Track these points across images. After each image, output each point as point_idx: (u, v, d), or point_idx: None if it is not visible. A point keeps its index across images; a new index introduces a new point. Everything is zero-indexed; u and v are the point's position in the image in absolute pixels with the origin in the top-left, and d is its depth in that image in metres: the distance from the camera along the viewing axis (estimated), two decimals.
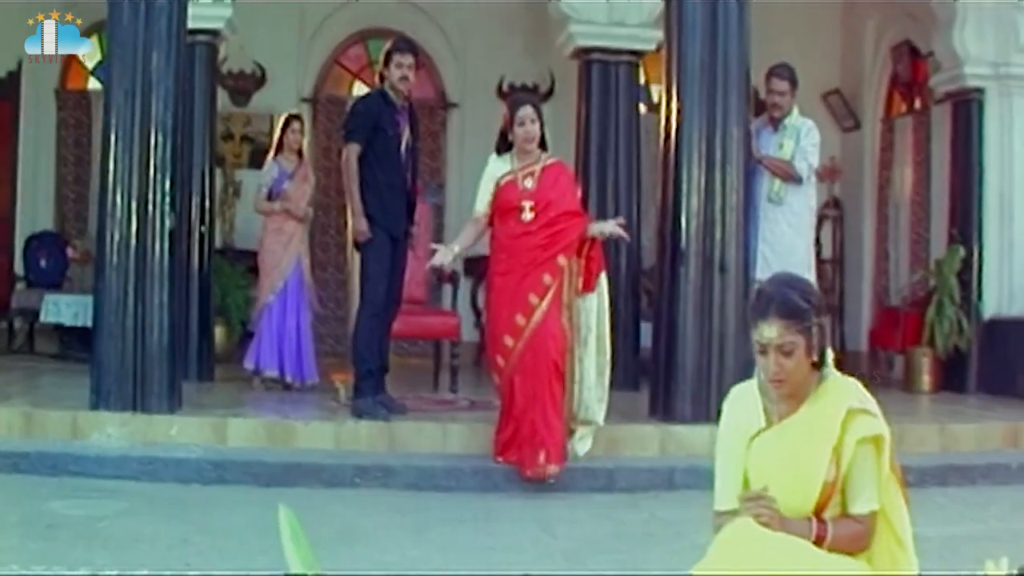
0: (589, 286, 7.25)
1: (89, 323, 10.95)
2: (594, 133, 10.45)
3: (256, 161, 13.04)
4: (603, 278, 7.38)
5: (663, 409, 8.21)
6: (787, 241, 8.38)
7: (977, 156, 10.89)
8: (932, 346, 10.83)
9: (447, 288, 10.58)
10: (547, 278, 7.08)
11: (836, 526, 3.33)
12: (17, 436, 7.44)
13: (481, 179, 7.40)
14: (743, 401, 3.52)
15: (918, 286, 11.41)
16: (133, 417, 7.52)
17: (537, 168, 7.26)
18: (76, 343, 11.37)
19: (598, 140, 10.44)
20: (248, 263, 11.86)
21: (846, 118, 13.26)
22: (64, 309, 11.12)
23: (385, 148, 7.89)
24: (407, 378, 9.95)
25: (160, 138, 7.55)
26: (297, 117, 9.99)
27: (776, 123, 8.47)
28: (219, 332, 10.58)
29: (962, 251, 10.71)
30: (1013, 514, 6.97)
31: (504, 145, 7.33)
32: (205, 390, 9.09)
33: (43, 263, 12.22)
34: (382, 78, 8.05)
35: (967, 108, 10.96)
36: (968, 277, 10.79)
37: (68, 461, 7.09)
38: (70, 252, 11.93)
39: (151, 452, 7.25)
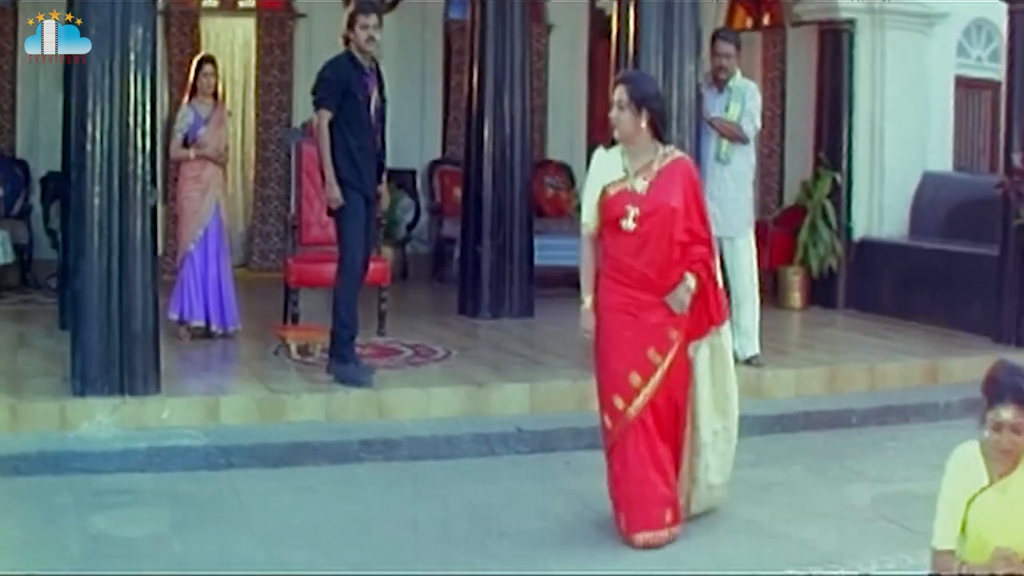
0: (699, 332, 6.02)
1: None
2: (489, 64, 10.63)
3: None
4: (725, 326, 6.15)
5: None
6: (732, 197, 8.76)
7: (847, 85, 11.48)
8: (803, 265, 11.52)
9: None
10: (670, 330, 5.85)
11: None
12: (4, 430, 7.16)
13: (587, 179, 6.06)
14: (968, 460, 4.25)
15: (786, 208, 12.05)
16: (123, 402, 7.33)
17: (655, 166, 5.85)
18: None
19: (494, 72, 10.63)
20: None
21: None
22: None
23: (356, 112, 7.89)
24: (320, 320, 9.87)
25: (140, 113, 7.27)
26: (210, 60, 9.71)
27: (721, 85, 8.79)
28: None
29: (838, 177, 11.35)
30: None
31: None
32: None
33: None
34: (347, 41, 7.99)
35: (837, 37, 11.52)
36: (838, 199, 11.45)
37: (71, 459, 6.86)
38: None
39: (155, 442, 7.11)
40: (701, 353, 6.01)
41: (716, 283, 6.01)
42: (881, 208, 11.58)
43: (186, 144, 9.42)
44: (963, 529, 4.18)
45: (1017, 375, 4.12)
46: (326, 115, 7.85)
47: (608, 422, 5.98)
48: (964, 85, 12.50)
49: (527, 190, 10.93)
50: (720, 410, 6.16)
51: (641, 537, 5.84)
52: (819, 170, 11.55)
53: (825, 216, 11.38)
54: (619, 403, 5.89)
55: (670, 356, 5.86)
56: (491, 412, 7.96)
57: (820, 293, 11.59)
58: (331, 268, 9.04)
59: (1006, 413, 4.06)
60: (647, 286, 5.82)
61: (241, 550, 5.79)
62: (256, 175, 13.32)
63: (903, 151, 11.50)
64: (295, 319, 9.28)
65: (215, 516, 6.33)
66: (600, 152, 6.02)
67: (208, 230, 9.40)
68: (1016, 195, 9.50)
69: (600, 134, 14.54)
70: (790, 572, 5.61)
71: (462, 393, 8.00)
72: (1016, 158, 9.60)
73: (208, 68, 9.50)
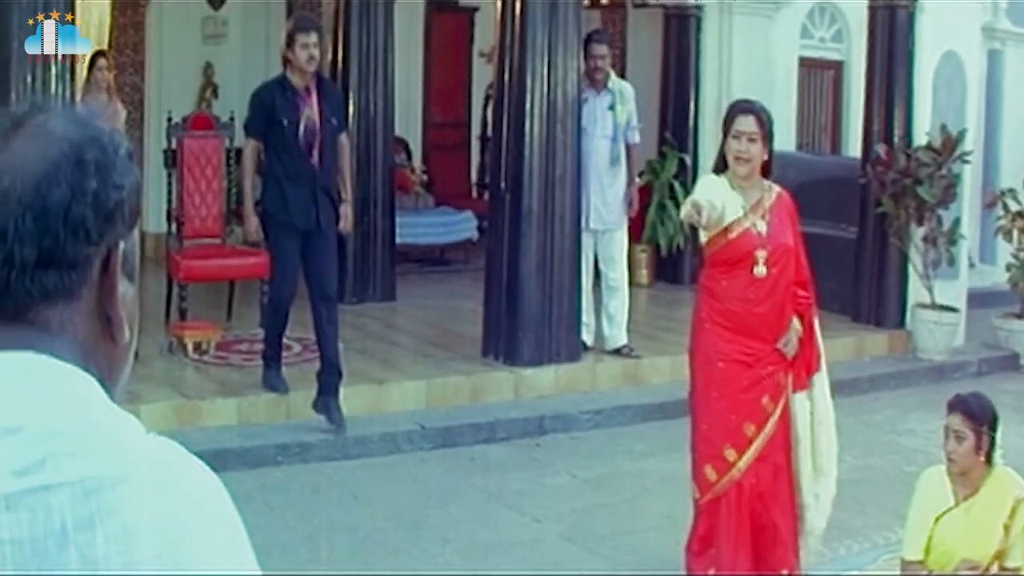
0: (800, 383, 5.61)
1: None
2: (353, 47, 10.78)
3: None
4: (821, 376, 5.69)
5: (505, 354, 8.91)
6: (614, 193, 9.31)
7: (694, 68, 11.98)
8: (651, 243, 12.02)
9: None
10: (781, 376, 5.50)
11: None
12: None
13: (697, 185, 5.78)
14: (935, 482, 4.92)
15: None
16: None
17: (766, 203, 5.48)
18: None
19: (359, 54, 10.78)
20: None
21: None
22: None
23: (281, 139, 7.66)
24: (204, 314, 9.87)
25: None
26: (103, 54, 9.59)
27: (599, 86, 9.12)
28: None
29: (687, 159, 11.87)
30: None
31: (723, 161, 5.55)
32: None
33: None
34: (286, 61, 7.69)
35: (683, 22, 11.99)
36: (685, 179, 11.97)
37: None
38: None
39: None
40: (802, 408, 5.61)
41: (814, 328, 5.67)
42: None
43: None
44: (928, 543, 4.86)
45: (973, 396, 4.91)
46: (252, 144, 7.75)
47: (712, 475, 5.53)
48: (807, 65, 13.08)
49: (390, 174, 11.12)
50: (819, 469, 5.69)
51: None
52: (665, 150, 12.03)
53: (673, 195, 11.88)
54: (730, 455, 5.48)
55: (782, 402, 5.51)
56: (392, 408, 8.25)
57: (666, 270, 12.13)
58: (219, 263, 9.29)
59: (953, 420, 4.79)
60: (761, 334, 5.47)
61: None
62: None
63: None
64: (183, 315, 9.29)
65: None
66: (712, 178, 5.58)
67: None
68: (879, 184, 10.11)
69: (437, 110, 14.84)
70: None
71: (364, 392, 8.24)
72: (880, 150, 10.18)
73: (102, 62, 9.40)
